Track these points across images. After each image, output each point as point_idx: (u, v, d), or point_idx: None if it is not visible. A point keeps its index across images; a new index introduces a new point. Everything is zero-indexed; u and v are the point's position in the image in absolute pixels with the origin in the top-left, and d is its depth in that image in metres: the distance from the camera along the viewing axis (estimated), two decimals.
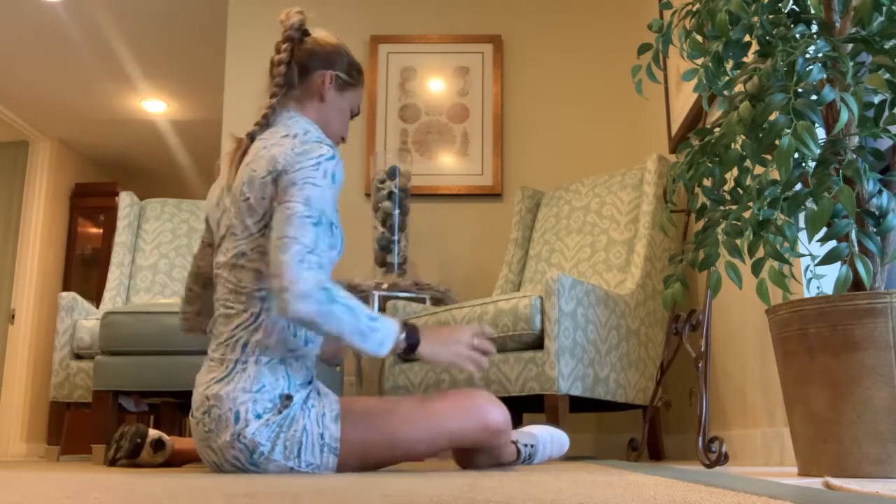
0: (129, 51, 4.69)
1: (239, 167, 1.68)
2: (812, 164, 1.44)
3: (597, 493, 0.87)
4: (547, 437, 2.02)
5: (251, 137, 1.71)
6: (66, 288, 5.97)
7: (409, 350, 1.59)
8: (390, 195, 3.36)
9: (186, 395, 2.35)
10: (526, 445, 1.92)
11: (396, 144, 3.76)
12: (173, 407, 3.53)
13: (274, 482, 1.17)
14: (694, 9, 1.61)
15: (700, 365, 2.08)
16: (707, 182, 1.58)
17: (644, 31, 3.58)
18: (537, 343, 2.48)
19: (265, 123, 1.72)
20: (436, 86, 3.82)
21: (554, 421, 2.38)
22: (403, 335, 1.58)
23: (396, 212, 3.34)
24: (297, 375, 1.59)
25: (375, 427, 1.60)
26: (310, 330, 1.57)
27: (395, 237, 3.33)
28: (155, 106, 5.45)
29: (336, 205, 1.65)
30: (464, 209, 3.72)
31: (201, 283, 1.86)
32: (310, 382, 1.62)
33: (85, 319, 3.03)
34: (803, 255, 1.56)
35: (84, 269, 6.21)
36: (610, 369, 2.59)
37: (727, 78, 1.55)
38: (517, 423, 3.11)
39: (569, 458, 2.63)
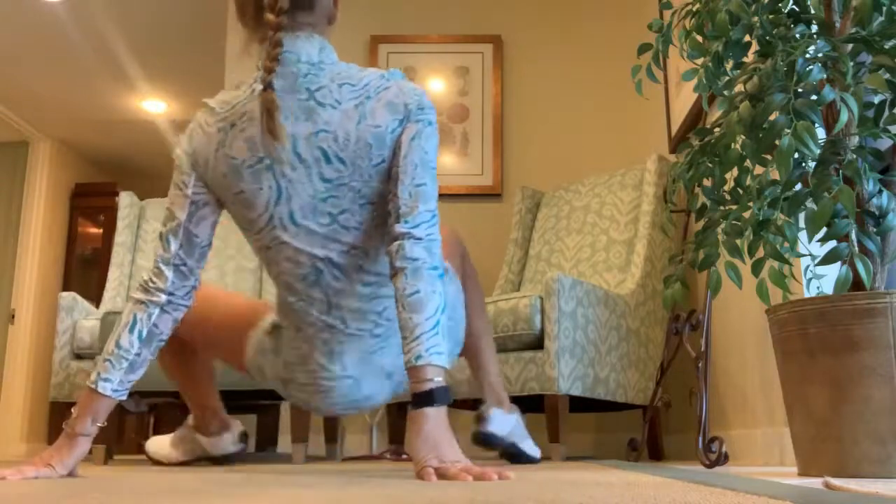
0: (129, 51, 4.69)
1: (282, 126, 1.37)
2: (812, 164, 1.44)
3: (597, 493, 0.87)
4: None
5: (272, 86, 1.35)
6: (66, 288, 5.97)
7: (424, 397, 1.27)
8: None
9: None
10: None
11: None
12: (173, 407, 3.53)
13: (277, 482, 1.17)
14: (694, 9, 1.61)
15: (700, 365, 2.08)
16: (707, 182, 1.58)
17: (644, 31, 3.57)
18: (537, 343, 2.47)
19: (279, 61, 1.36)
20: (436, 86, 3.82)
21: (554, 421, 2.38)
22: (442, 378, 1.30)
23: None
24: None
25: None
26: (399, 284, 1.34)
27: None
28: (155, 106, 5.45)
29: None
30: (464, 209, 3.72)
31: (196, 256, 1.49)
32: None
33: (85, 319, 3.03)
34: (803, 255, 1.56)
35: (84, 269, 6.21)
36: (610, 369, 2.59)
37: (727, 78, 1.55)
38: None
39: (569, 458, 2.63)
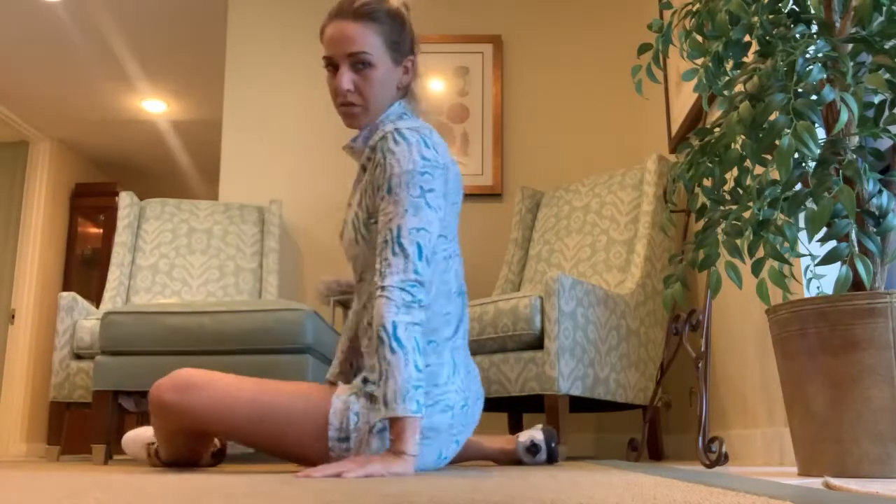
0: (129, 51, 4.69)
1: None
2: (812, 164, 1.44)
3: (597, 493, 0.87)
4: None
5: None
6: (66, 288, 5.98)
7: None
8: None
9: None
10: None
11: None
12: None
13: (275, 482, 1.17)
14: (694, 9, 1.61)
15: (700, 365, 2.08)
16: (707, 182, 1.58)
17: (644, 32, 3.58)
18: (537, 343, 2.47)
19: None
20: (436, 86, 3.82)
21: (554, 421, 2.38)
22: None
23: None
24: None
25: None
26: None
27: None
28: (155, 106, 5.45)
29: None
30: (464, 209, 3.72)
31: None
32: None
33: (85, 319, 3.03)
34: (803, 255, 1.56)
35: (84, 269, 6.21)
36: (610, 369, 2.59)
37: (727, 78, 1.55)
38: (517, 423, 3.12)
39: (569, 458, 2.63)
